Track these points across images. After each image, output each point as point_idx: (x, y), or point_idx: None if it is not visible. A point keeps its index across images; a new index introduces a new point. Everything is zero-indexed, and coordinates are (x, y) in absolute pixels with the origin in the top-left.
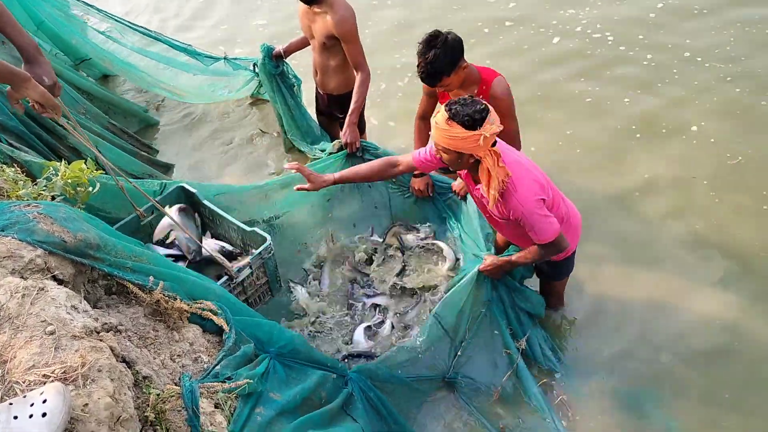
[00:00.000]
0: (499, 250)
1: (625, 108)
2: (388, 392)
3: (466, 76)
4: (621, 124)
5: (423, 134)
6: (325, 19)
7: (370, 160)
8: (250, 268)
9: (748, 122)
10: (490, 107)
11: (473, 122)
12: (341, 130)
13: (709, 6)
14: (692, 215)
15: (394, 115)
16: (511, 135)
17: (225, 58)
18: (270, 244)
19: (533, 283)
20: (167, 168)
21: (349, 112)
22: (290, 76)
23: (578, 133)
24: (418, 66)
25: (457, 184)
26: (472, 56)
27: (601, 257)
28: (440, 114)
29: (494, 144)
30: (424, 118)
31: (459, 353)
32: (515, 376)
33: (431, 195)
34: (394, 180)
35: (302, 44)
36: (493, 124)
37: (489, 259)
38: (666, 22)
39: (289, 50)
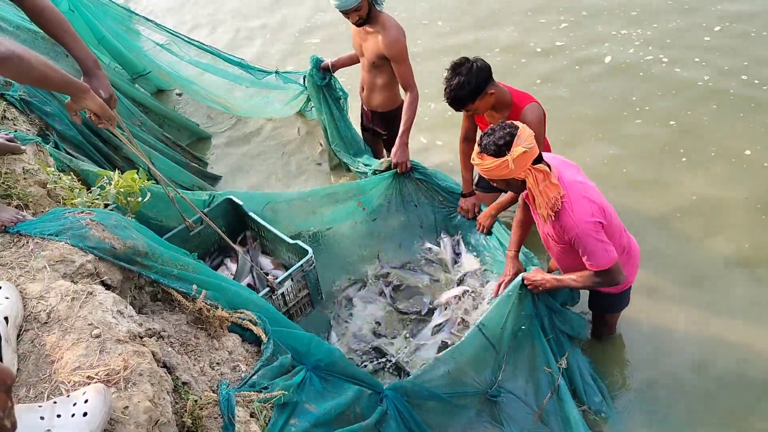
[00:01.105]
0: None
1: (673, 130)
2: (425, 410)
3: (497, 100)
4: (668, 145)
5: (467, 156)
6: (377, 39)
7: (419, 179)
8: (291, 280)
9: None
10: (519, 127)
11: (498, 149)
12: (383, 147)
13: (766, 28)
14: (743, 238)
15: (441, 134)
16: None
17: (276, 72)
18: (311, 256)
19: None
20: (215, 179)
21: (400, 133)
22: (337, 89)
23: (625, 152)
24: (444, 91)
25: (480, 216)
26: (522, 78)
27: (649, 280)
28: (475, 155)
29: (538, 161)
30: (467, 140)
31: (503, 367)
32: (556, 396)
33: (476, 215)
34: (441, 200)
35: (351, 60)
36: (521, 144)
37: (535, 270)
38: (723, 44)
39: (338, 64)
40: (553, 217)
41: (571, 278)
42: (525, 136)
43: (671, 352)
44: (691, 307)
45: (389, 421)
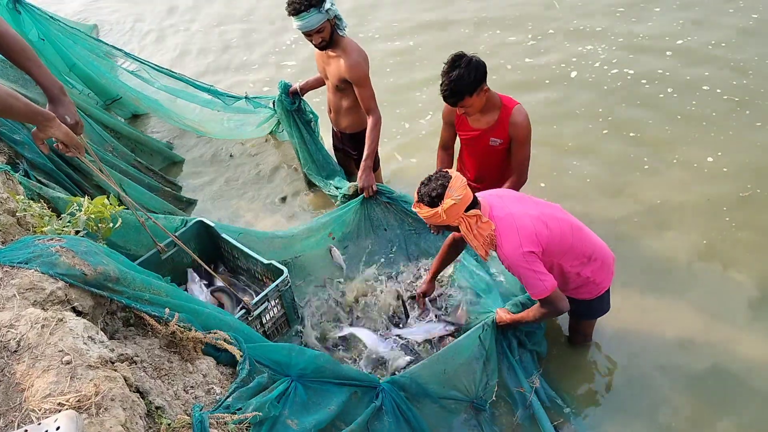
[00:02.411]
0: None
1: (637, 139)
2: (418, 407)
3: (488, 100)
4: (633, 154)
5: (445, 164)
6: (339, 63)
7: (387, 203)
8: (268, 300)
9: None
10: (452, 177)
11: (431, 200)
12: (356, 166)
13: (725, 40)
14: (704, 238)
15: (416, 152)
16: (519, 161)
17: (246, 97)
18: (287, 275)
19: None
20: (190, 203)
21: (364, 157)
22: (307, 112)
23: (590, 162)
24: (441, 85)
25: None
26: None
27: (615, 283)
28: (415, 196)
29: (472, 207)
30: (446, 148)
31: (489, 381)
32: (531, 413)
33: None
34: (411, 222)
35: (318, 83)
36: (452, 196)
37: (500, 313)
38: (684, 57)
39: (306, 88)
40: (493, 253)
41: (524, 315)
42: (456, 187)
43: (639, 354)
44: (656, 308)
45: (383, 418)
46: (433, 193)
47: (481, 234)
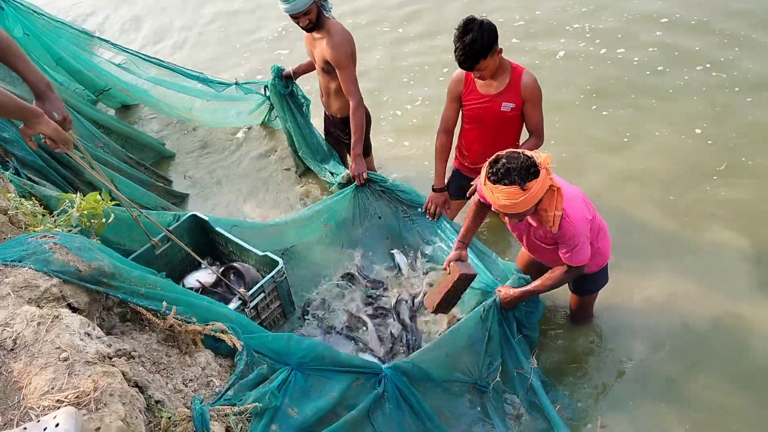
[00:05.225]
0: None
1: (625, 114)
2: (422, 392)
3: (500, 62)
4: (621, 126)
5: (444, 149)
6: (322, 44)
7: (380, 191)
8: (263, 291)
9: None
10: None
11: (536, 169)
12: (347, 152)
13: (710, 16)
14: (690, 205)
15: (408, 135)
16: (535, 122)
17: (236, 83)
18: (282, 267)
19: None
20: (182, 198)
21: (352, 145)
22: (299, 96)
23: (580, 135)
24: (455, 51)
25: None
26: None
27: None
28: (502, 195)
29: None
30: (447, 132)
31: (491, 362)
32: (532, 392)
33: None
34: (405, 208)
35: (311, 66)
36: (535, 153)
37: (503, 291)
38: (673, 34)
39: (298, 71)
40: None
41: (540, 284)
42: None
43: (634, 333)
44: (643, 277)
45: (384, 405)
46: (528, 161)
47: (558, 200)
